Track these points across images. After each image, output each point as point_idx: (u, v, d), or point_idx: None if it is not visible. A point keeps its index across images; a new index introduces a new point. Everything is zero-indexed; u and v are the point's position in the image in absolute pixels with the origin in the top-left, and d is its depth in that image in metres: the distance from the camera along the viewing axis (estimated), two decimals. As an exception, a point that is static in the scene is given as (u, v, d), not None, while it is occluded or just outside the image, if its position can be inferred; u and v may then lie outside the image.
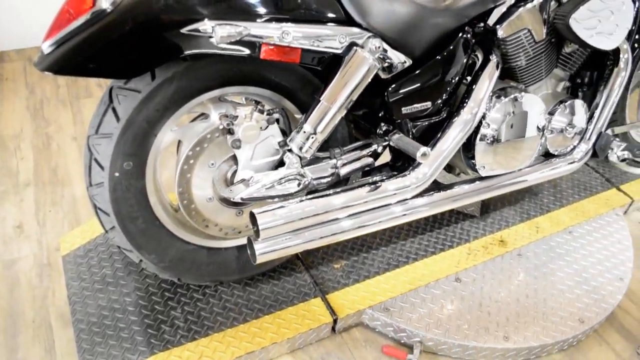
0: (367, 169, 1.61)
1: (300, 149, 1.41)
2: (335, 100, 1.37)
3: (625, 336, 1.80)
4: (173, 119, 1.41)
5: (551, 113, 1.80)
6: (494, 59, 1.62)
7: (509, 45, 1.65)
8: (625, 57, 1.87)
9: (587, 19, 1.64)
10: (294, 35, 1.29)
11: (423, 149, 1.46)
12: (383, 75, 1.45)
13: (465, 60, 1.59)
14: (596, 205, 2.18)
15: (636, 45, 2.09)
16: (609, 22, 1.69)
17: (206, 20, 1.22)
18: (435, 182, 1.75)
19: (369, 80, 1.39)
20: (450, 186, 1.75)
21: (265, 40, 1.28)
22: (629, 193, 2.27)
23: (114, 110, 1.34)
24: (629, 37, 1.89)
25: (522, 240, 1.97)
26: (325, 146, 1.54)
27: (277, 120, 1.55)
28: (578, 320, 1.73)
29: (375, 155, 1.59)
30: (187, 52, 1.29)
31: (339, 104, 1.38)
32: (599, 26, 1.67)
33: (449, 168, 1.89)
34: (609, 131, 1.95)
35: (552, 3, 1.70)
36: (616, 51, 1.89)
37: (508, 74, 1.75)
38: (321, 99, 1.38)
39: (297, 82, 1.45)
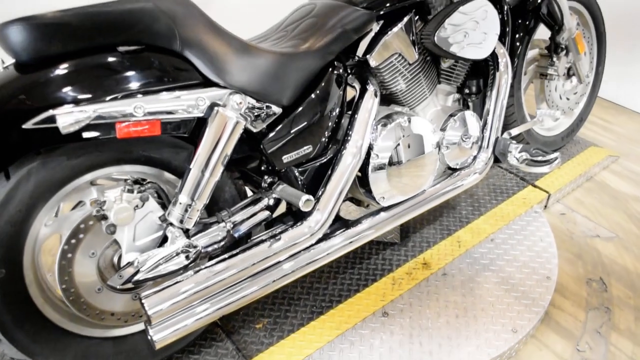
0: (267, 220, 1.56)
1: (181, 221, 1.34)
2: (206, 166, 1.32)
3: (563, 335, 1.78)
4: (43, 214, 1.33)
5: (443, 129, 1.80)
6: (370, 88, 1.61)
7: (383, 72, 1.64)
8: (504, 60, 1.90)
9: (453, 34, 1.65)
10: (148, 108, 1.24)
11: (304, 197, 1.42)
12: (254, 129, 1.40)
13: (341, 95, 1.57)
14: (514, 206, 2.18)
15: (518, 43, 2.13)
16: (477, 32, 1.71)
17: (49, 110, 1.16)
18: (341, 220, 1.71)
19: (237, 138, 1.35)
20: (359, 221, 1.71)
21: (118, 119, 1.22)
22: (544, 188, 2.29)
23: (-29, 219, 1.25)
24: (503, 40, 1.92)
25: (446, 258, 1.94)
26: (215, 209, 1.49)
27: (158, 194, 1.48)
28: (511, 330, 1.70)
29: (270, 207, 1.54)
30: (37, 146, 1.23)
31: (210, 169, 1.33)
32: (466, 38, 1.68)
33: (358, 202, 1.86)
34: (506, 134, 1.96)
35: (418, 24, 1.71)
36: (495, 55, 1.91)
37: (392, 99, 1.75)
38: (191, 166, 1.33)
39: (168, 153, 1.40)
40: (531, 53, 2.30)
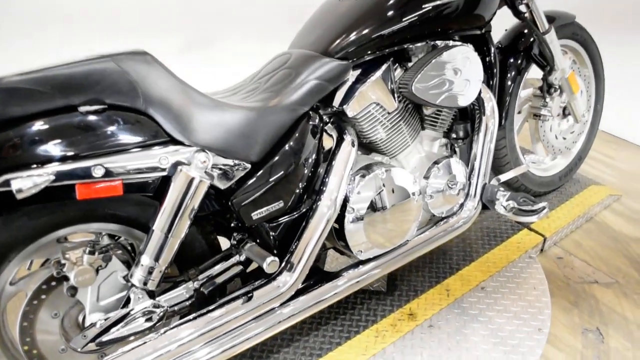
0: (241, 275, 1.52)
1: (144, 283, 1.31)
2: (169, 227, 1.29)
3: (556, 391, 1.70)
4: (7, 273, 1.31)
5: (426, 177, 1.75)
6: (347, 138, 1.57)
7: (362, 122, 1.61)
8: (490, 104, 1.84)
9: (432, 82, 1.61)
10: (109, 169, 1.21)
11: (269, 259, 1.37)
12: (222, 186, 1.37)
13: (316, 146, 1.53)
14: (507, 251, 2.11)
15: (509, 83, 2.08)
16: (458, 80, 1.66)
17: (6, 174, 1.14)
18: (320, 272, 1.66)
19: (201, 196, 1.31)
20: (339, 273, 1.66)
21: (78, 180, 1.20)
22: (540, 231, 2.21)
23: None
24: (491, 83, 1.87)
25: (433, 308, 1.88)
26: (185, 265, 1.45)
27: (126, 252, 1.45)
28: (498, 388, 1.62)
29: (242, 263, 1.50)
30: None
31: (173, 229, 1.29)
32: (447, 86, 1.64)
33: (341, 250, 1.80)
34: (494, 181, 1.89)
35: (398, 71, 1.67)
36: (481, 100, 1.86)
37: (372, 148, 1.70)
38: (153, 227, 1.29)
39: (134, 210, 1.37)
40: (526, 92, 2.24)
